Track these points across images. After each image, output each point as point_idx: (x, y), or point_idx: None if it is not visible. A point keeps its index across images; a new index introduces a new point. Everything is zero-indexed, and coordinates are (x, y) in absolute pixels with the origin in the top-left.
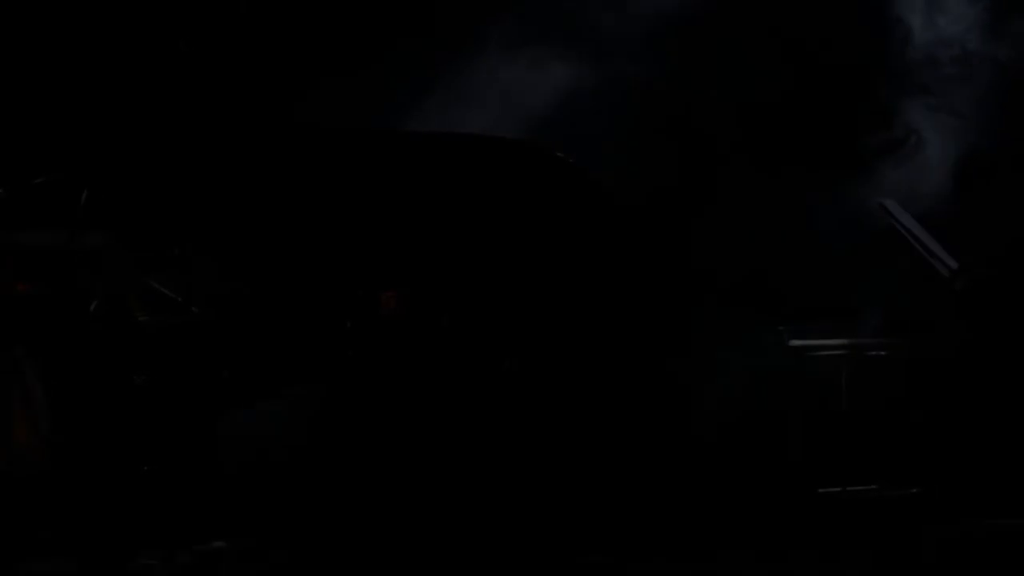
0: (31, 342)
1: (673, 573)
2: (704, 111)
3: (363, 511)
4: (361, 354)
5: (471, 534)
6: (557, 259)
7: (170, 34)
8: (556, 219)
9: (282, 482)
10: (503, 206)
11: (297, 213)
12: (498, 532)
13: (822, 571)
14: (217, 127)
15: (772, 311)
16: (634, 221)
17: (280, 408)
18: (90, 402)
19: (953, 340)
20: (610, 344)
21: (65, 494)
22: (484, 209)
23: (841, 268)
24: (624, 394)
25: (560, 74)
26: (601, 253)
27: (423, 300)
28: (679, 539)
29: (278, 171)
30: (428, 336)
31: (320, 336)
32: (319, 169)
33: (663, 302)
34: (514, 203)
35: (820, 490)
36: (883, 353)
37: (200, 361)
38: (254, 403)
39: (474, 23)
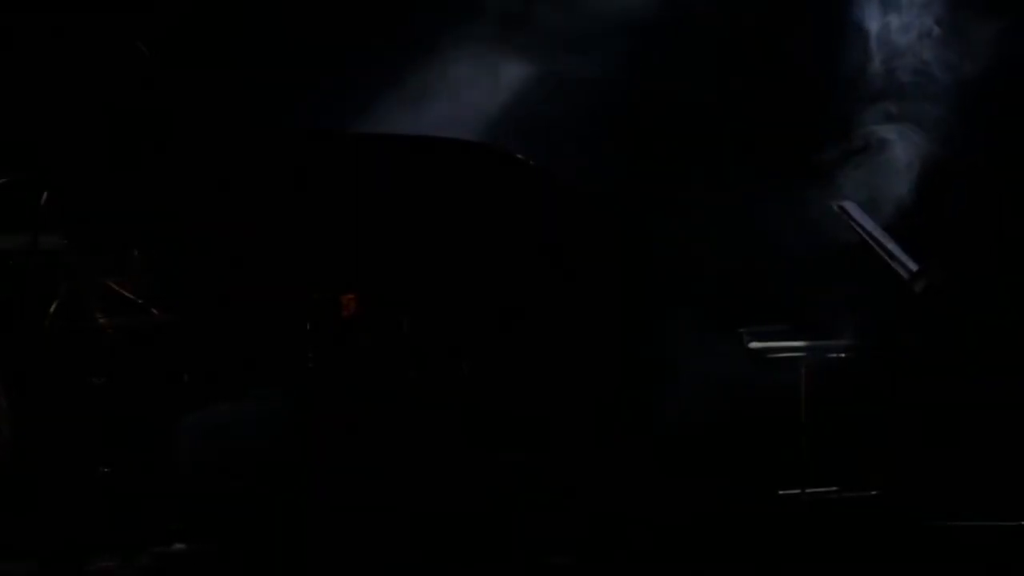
0: None
1: (634, 574)
2: (662, 114)
3: (324, 513)
4: (321, 357)
5: (434, 534)
6: (517, 261)
7: (129, 35)
8: (516, 221)
9: (242, 485)
10: (464, 208)
11: (255, 215)
12: (461, 533)
13: (783, 572)
14: (176, 128)
15: (731, 313)
16: (594, 223)
17: (240, 410)
18: (49, 404)
19: (913, 342)
20: (570, 345)
21: (24, 496)
22: (445, 211)
23: (800, 270)
24: (585, 396)
25: (516, 74)
26: (561, 256)
27: (383, 303)
28: (640, 541)
29: (236, 173)
30: (388, 338)
31: (279, 339)
32: (278, 171)
33: (623, 305)
34: (475, 205)
35: (780, 492)
36: (843, 355)
37: (159, 364)
38: (214, 405)
39: (427, 22)
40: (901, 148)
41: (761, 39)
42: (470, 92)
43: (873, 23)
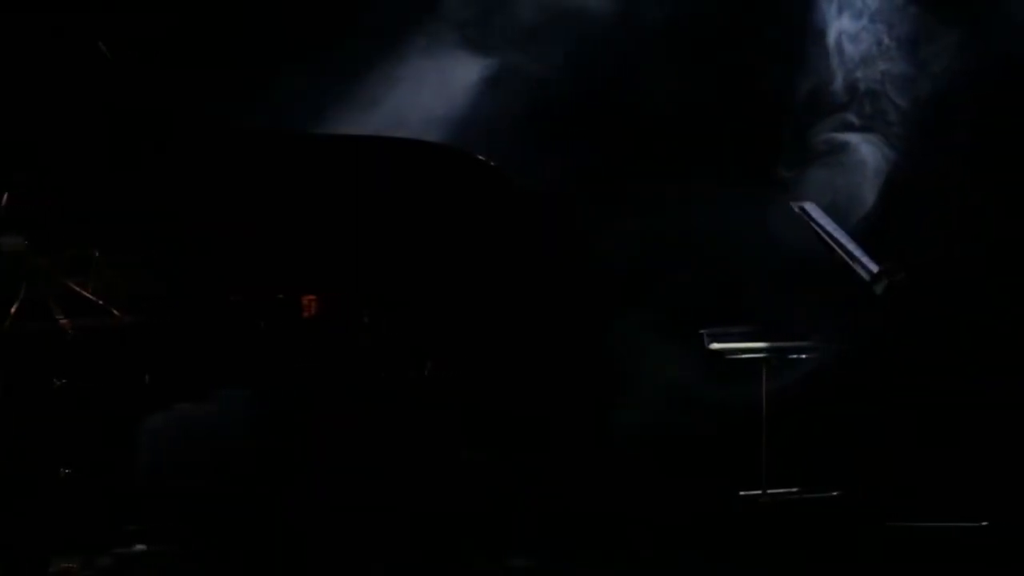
0: None
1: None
2: (622, 115)
3: (285, 515)
4: (282, 358)
5: (395, 536)
6: (477, 263)
7: (88, 34)
8: (475, 223)
9: (203, 486)
10: (424, 210)
11: (216, 216)
12: (421, 534)
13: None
14: (133, 128)
15: (691, 314)
16: (552, 225)
17: (201, 412)
18: (8, 405)
19: (872, 342)
20: (528, 348)
21: None
22: (404, 212)
23: (761, 272)
24: (543, 396)
25: (474, 73)
26: (519, 258)
27: (344, 303)
28: (601, 544)
29: (195, 174)
30: (349, 339)
31: (240, 341)
32: (239, 172)
33: (581, 307)
34: (435, 207)
35: (741, 493)
36: (803, 356)
37: (120, 365)
38: (175, 407)
39: (385, 20)
40: (861, 153)
41: (722, 41)
42: (428, 92)
43: (834, 29)
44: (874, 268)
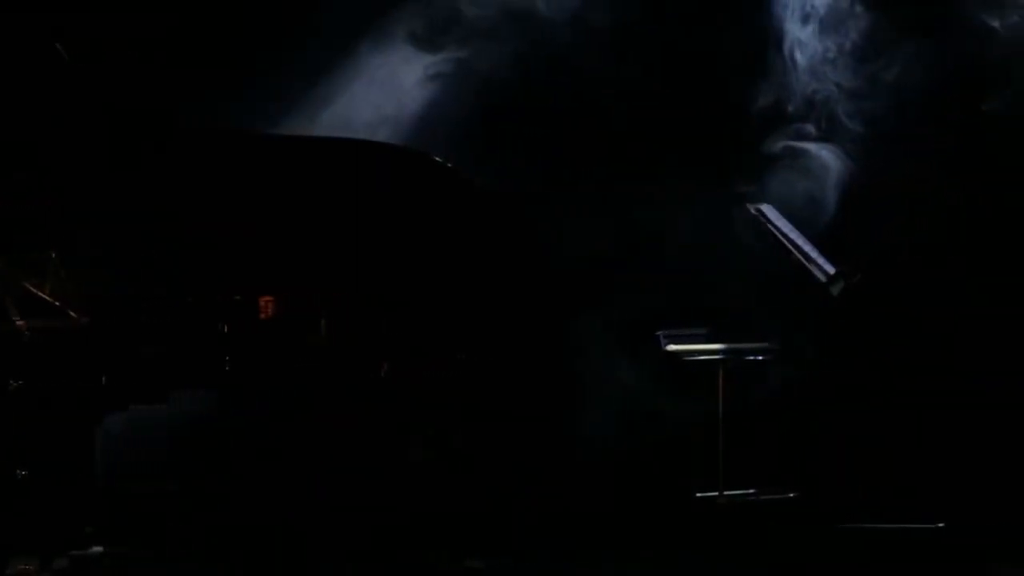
0: None
1: (553, 574)
2: (579, 117)
3: (243, 516)
4: (239, 359)
5: (353, 536)
6: (434, 264)
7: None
8: (433, 224)
9: (160, 488)
10: (382, 211)
11: (175, 217)
12: (379, 535)
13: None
14: (92, 128)
15: (649, 316)
16: (509, 227)
17: (158, 413)
18: None
19: (828, 344)
20: (485, 348)
21: None
22: (362, 214)
23: (719, 273)
24: (500, 397)
25: (432, 74)
26: (477, 260)
27: (301, 305)
28: (559, 543)
29: (154, 175)
30: (307, 341)
31: (198, 342)
32: (198, 173)
33: (538, 309)
34: (393, 208)
35: (697, 495)
36: (760, 358)
37: (77, 366)
38: (132, 408)
39: (342, 21)
40: (820, 160)
41: (677, 42)
42: (377, 90)
43: (791, 38)
44: (831, 270)
